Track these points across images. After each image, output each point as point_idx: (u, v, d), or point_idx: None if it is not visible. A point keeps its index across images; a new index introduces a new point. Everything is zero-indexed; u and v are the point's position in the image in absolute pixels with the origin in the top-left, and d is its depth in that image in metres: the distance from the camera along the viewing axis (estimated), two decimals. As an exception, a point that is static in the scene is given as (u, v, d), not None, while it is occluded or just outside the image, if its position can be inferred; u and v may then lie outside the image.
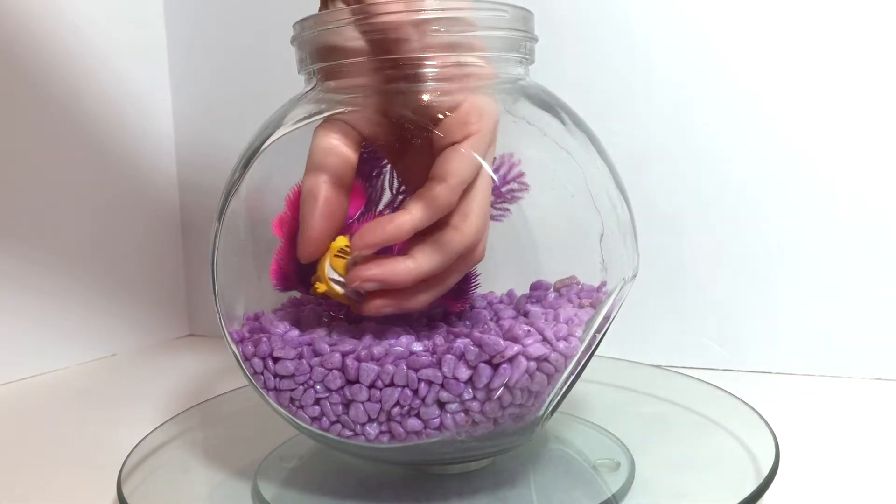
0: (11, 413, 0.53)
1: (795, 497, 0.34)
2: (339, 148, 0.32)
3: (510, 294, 0.38)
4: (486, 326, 0.34)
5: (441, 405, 0.31)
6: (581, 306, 0.34)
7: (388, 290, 0.31)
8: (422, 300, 0.32)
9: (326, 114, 0.33)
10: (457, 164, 0.31)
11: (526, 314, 0.34)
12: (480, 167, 0.31)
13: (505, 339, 0.30)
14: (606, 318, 0.34)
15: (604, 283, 0.34)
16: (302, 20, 0.33)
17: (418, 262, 0.31)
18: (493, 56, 0.33)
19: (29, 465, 0.43)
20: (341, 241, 0.33)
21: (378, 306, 0.32)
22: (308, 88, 0.35)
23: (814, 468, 0.37)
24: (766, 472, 0.33)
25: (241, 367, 0.34)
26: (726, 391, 0.44)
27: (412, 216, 0.31)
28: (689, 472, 0.36)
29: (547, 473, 0.36)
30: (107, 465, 0.40)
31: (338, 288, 0.32)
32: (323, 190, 0.32)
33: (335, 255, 0.33)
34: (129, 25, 0.69)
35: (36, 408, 0.54)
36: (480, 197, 0.32)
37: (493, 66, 0.34)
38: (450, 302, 0.36)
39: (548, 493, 0.34)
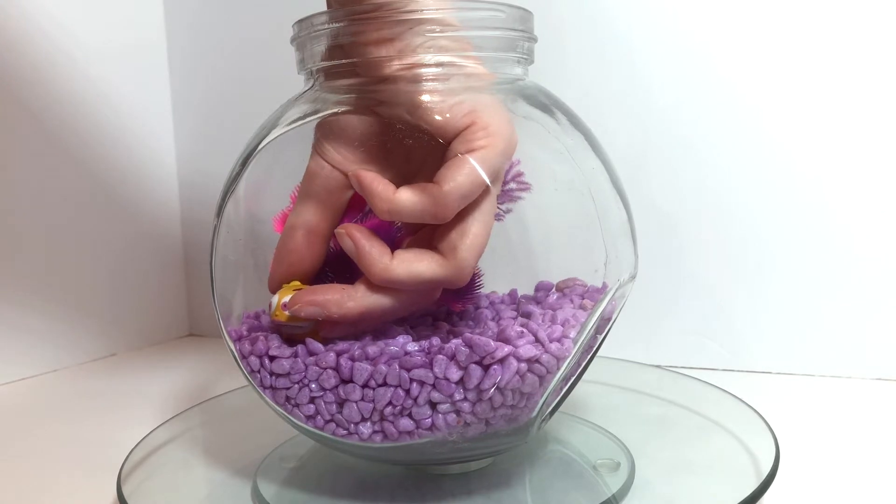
0: (11, 413, 0.53)
1: (795, 497, 0.34)
2: (318, 216, 0.33)
3: (511, 294, 0.38)
4: (485, 326, 0.34)
5: (433, 405, 0.31)
6: (582, 307, 0.34)
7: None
8: (349, 308, 0.31)
9: (323, 114, 0.33)
10: (456, 171, 0.29)
11: (526, 314, 0.34)
12: (486, 188, 0.30)
13: (497, 340, 0.30)
14: (607, 319, 0.34)
15: (605, 284, 0.34)
16: (300, 20, 0.33)
17: (357, 298, 0.31)
18: (489, 56, 0.33)
19: (29, 465, 0.43)
20: (295, 284, 0.33)
21: (306, 310, 0.31)
22: (306, 88, 0.35)
23: (814, 468, 0.37)
24: (766, 472, 0.33)
25: (239, 365, 0.34)
26: (726, 391, 0.44)
27: (395, 193, 0.30)
28: (689, 473, 0.36)
29: (546, 474, 0.36)
30: (107, 465, 0.40)
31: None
32: (297, 239, 0.33)
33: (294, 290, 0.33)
34: (129, 42, 0.69)
35: (36, 408, 0.54)
36: (477, 225, 0.30)
37: (491, 66, 0.33)
38: (452, 301, 0.36)
39: (546, 494, 0.34)
